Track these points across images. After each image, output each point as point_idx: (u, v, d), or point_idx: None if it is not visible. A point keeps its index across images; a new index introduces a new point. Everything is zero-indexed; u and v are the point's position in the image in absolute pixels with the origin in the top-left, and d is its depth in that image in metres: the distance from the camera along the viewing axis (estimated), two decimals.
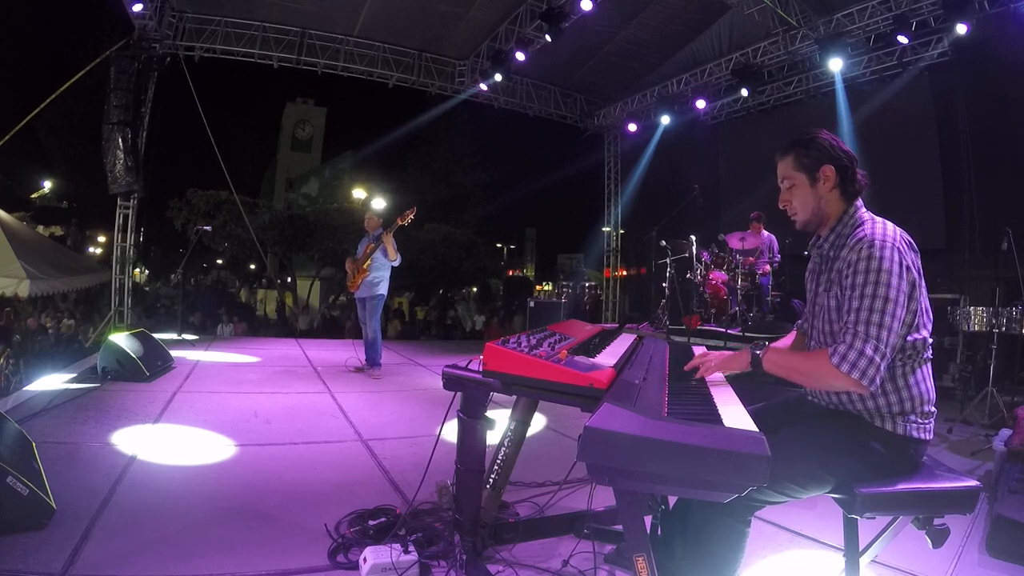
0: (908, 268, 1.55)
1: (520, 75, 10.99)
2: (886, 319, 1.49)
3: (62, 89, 9.13)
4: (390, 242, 5.75)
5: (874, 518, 1.56)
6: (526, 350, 1.59)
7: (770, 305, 7.64)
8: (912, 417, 1.60)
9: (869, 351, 1.48)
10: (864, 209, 1.72)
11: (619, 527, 2.11)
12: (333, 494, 2.76)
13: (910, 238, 1.62)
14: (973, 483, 1.56)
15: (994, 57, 6.92)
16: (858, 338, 1.49)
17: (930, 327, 1.63)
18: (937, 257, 7.46)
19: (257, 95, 32.28)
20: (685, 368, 1.82)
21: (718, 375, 1.84)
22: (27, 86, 17.36)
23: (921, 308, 1.59)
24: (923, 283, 1.59)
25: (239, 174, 21.84)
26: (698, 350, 1.99)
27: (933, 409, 1.64)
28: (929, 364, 1.65)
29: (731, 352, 1.81)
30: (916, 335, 1.58)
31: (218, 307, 16.28)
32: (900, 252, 1.54)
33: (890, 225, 1.63)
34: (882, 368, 1.49)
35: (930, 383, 1.63)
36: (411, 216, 5.78)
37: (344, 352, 7.09)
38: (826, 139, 1.72)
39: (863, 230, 1.61)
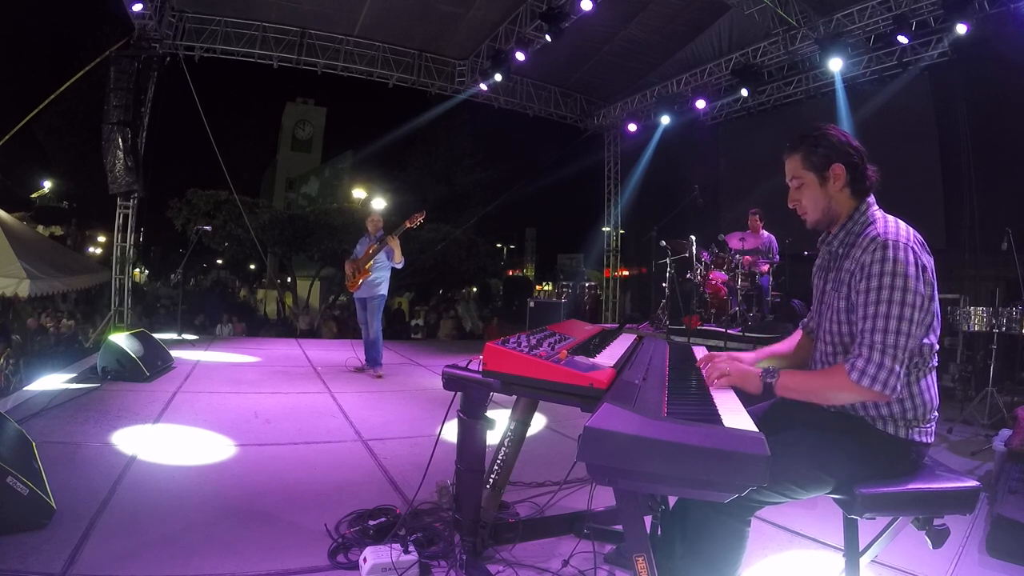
0: (924, 268, 1.50)
1: (520, 75, 10.98)
2: (903, 325, 1.44)
3: (62, 89, 9.15)
4: (397, 245, 5.79)
5: (874, 519, 1.55)
6: (526, 350, 1.59)
7: (770, 305, 7.64)
8: (915, 424, 1.59)
9: (888, 362, 1.44)
10: (876, 206, 1.67)
11: (619, 527, 2.11)
12: (333, 494, 2.76)
13: (923, 239, 1.57)
14: (973, 483, 1.56)
15: (994, 57, 6.92)
16: (875, 350, 1.45)
17: (939, 332, 1.59)
18: (937, 257, 7.31)
19: (257, 95, 32.28)
20: (701, 367, 1.72)
21: None
22: (27, 86, 17.40)
23: (934, 312, 1.55)
24: (935, 285, 1.54)
25: (239, 174, 21.86)
26: (699, 351, 1.98)
27: (936, 414, 1.62)
28: (934, 371, 1.61)
29: (744, 369, 1.66)
30: (926, 339, 1.55)
31: (220, 307, 16.26)
32: (915, 252, 1.50)
33: (902, 224, 1.58)
34: (902, 375, 1.46)
35: (935, 390, 1.61)
36: (420, 219, 5.81)
37: (344, 352, 7.10)
38: (835, 135, 1.67)
39: (875, 228, 1.56)
